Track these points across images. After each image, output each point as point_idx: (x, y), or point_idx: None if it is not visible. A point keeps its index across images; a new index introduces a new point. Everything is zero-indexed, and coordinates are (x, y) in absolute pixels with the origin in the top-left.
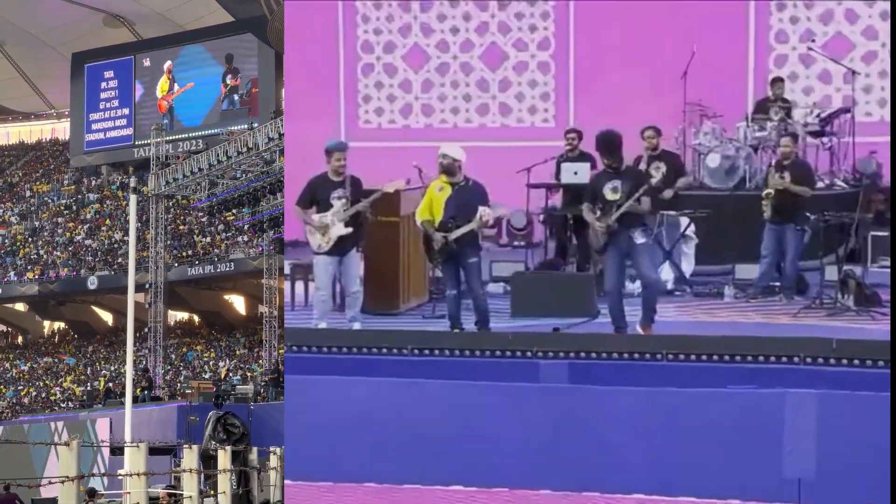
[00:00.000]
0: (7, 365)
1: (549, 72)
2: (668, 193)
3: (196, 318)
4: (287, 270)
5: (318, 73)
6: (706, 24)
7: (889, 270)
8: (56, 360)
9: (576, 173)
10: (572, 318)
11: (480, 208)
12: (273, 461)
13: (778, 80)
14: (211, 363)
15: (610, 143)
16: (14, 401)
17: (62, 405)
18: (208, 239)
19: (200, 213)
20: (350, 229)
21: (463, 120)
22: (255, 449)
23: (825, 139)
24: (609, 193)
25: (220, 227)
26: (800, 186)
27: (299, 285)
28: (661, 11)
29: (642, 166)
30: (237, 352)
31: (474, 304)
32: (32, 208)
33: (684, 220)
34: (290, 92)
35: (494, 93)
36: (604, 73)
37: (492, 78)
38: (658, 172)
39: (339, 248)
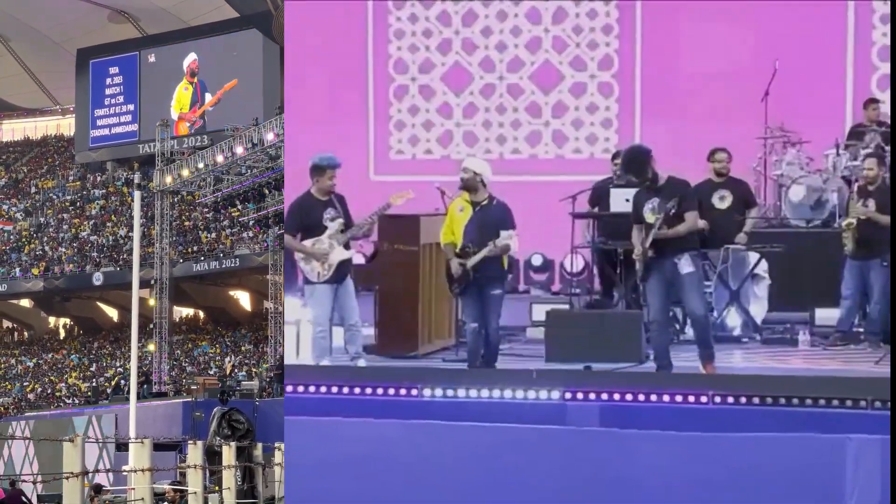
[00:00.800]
0: (12, 361)
1: (611, 94)
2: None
3: (201, 314)
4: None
5: (343, 96)
6: (793, 37)
7: None
8: (62, 356)
9: (627, 200)
10: (615, 363)
11: (502, 233)
12: (278, 457)
13: (872, 102)
14: (216, 359)
15: (635, 160)
16: (20, 397)
17: (67, 401)
18: (213, 235)
19: (206, 209)
20: (352, 252)
21: (510, 150)
22: (259, 445)
23: None
24: (648, 215)
25: (226, 222)
26: (886, 216)
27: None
28: (740, 24)
29: (716, 199)
30: (243, 347)
31: (486, 337)
32: (38, 204)
33: (753, 256)
34: (294, 115)
35: (547, 118)
36: (673, 95)
37: (544, 101)
38: (723, 202)
39: (338, 275)
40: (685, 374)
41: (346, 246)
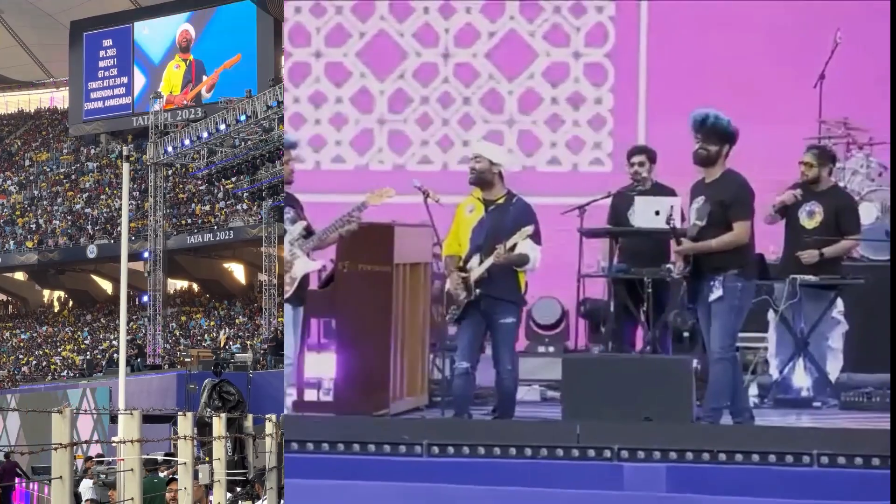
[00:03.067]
0: (7, 334)
1: (604, 81)
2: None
3: (195, 287)
4: None
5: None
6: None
7: None
8: (57, 329)
9: (657, 213)
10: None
11: (517, 237)
12: (269, 427)
13: None
14: (211, 332)
15: (716, 126)
16: (14, 370)
17: (62, 374)
18: (207, 207)
19: (199, 182)
20: (318, 264)
21: (457, 159)
22: (250, 416)
23: None
24: (693, 218)
25: (220, 195)
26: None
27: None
28: None
29: (803, 214)
30: (237, 320)
31: (498, 382)
32: (31, 177)
33: (829, 295)
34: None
35: (511, 114)
36: (692, 79)
37: (508, 90)
38: (812, 220)
39: (304, 293)
40: (774, 426)
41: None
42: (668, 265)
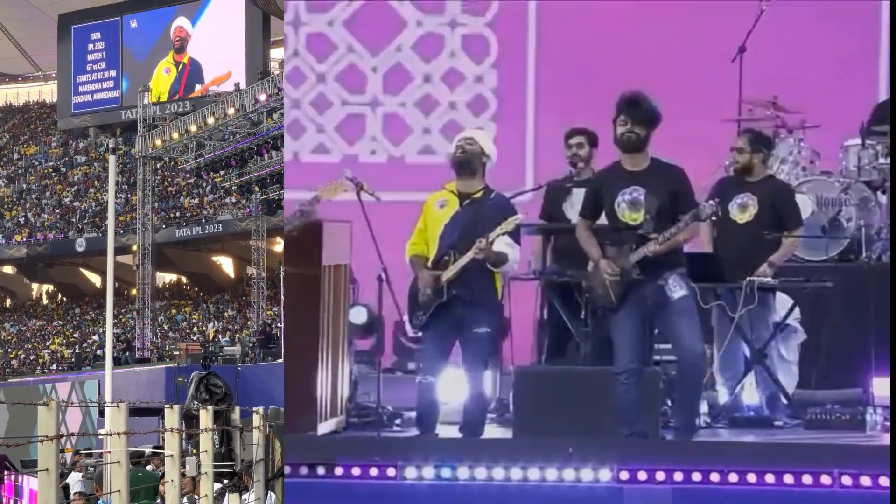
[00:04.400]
0: None
1: (486, 54)
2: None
3: (184, 280)
4: None
5: None
6: None
7: None
8: (45, 322)
9: None
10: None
11: (496, 232)
12: (256, 420)
13: None
14: (199, 325)
15: (641, 104)
16: (3, 363)
17: (51, 368)
18: (196, 200)
19: (188, 175)
20: None
21: (311, 147)
22: (237, 408)
23: None
24: (626, 211)
25: (208, 188)
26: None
27: None
28: None
29: (734, 207)
30: (226, 313)
31: (468, 399)
32: (20, 171)
33: (785, 300)
34: None
35: (376, 94)
36: (591, 48)
37: (371, 66)
38: (744, 213)
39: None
40: (790, 443)
41: None
42: None
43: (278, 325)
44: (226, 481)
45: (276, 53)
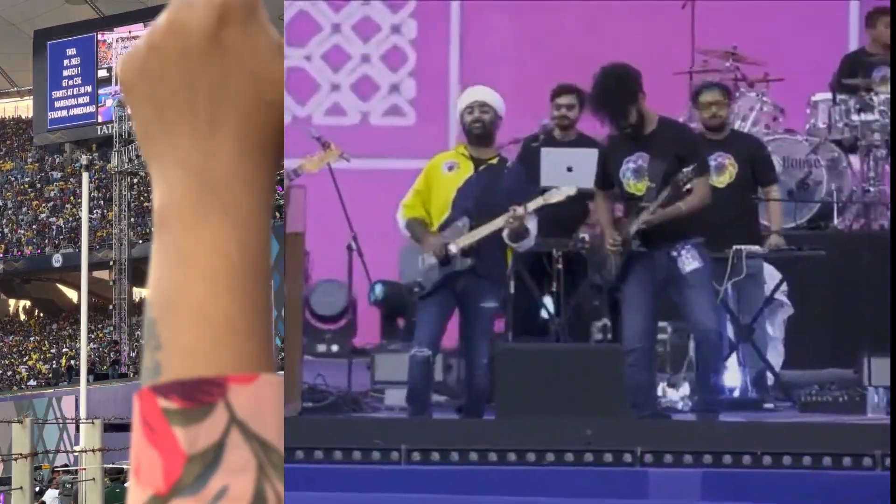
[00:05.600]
0: None
1: None
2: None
3: None
4: None
5: None
6: None
7: None
8: (22, 337)
9: (570, 169)
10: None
11: (517, 210)
12: None
13: (882, 14)
14: None
15: (620, 84)
16: None
17: (28, 383)
18: None
19: None
20: None
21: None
22: None
23: None
24: (631, 182)
25: None
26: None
27: None
28: None
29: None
30: None
31: (469, 378)
32: None
33: (773, 273)
34: None
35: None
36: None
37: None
38: (722, 175)
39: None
40: (823, 423)
41: None
42: (582, 234)
43: None
44: None
45: None
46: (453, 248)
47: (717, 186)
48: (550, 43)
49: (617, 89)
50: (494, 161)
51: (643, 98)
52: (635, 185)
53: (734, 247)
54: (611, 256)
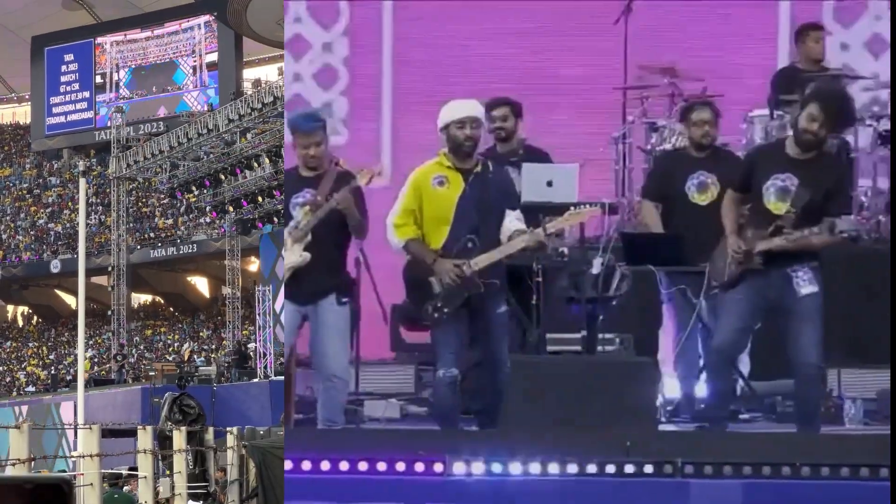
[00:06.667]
0: None
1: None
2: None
3: (160, 300)
4: None
5: None
6: None
7: None
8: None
9: (550, 184)
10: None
11: (510, 214)
12: (230, 440)
13: (811, 30)
14: (175, 345)
15: (840, 101)
16: None
17: (27, 389)
18: (170, 221)
19: (162, 196)
20: (307, 256)
21: None
22: (210, 429)
23: None
24: (773, 197)
25: (182, 208)
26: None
27: None
28: None
29: (692, 186)
30: (201, 333)
31: (492, 384)
32: None
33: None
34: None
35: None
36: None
37: None
38: (704, 194)
39: (302, 290)
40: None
41: (309, 247)
42: (562, 248)
43: (253, 344)
44: (200, 502)
45: (249, 73)
46: (468, 270)
47: (698, 204)
48: (484, 57)
49: (838, 105)
50: (478, 169)
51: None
52: (775, 204)
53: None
54: (730, 263)
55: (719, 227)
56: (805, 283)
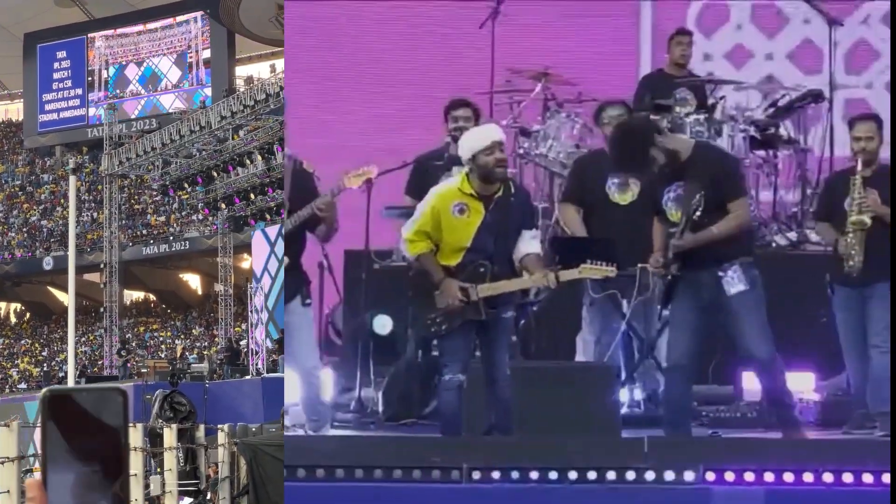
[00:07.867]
0: None
1: None
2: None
3: (152, 297)
4: None
5: None
6: None
7: None
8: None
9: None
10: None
11: (525, 234)
12: (221, 437)
13: (682, 35)
14: (167, 342)
15: (630, 138)
16: None
17: (19, 386)
18: (163, 218)
19: (155, 192)
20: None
21: None
22: (202, 426)
23: (783, 150)
24: (672, 209)
25: (175, 206)
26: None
27: None
28: None
29: (612, 186)
30: (193, 330)
31: (495, 392)
32: None
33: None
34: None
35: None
36: None
37: None
38: (625, 193)
39: (290, 287)
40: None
41: (289, 246)
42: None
43: (245, 341)
44: (191, 500)
45: (241, 71)
46: (474, 295)
47: (620, 204)
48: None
49: (631, 144)
50: (500, 194)
51: (662, 134)
52: (675, 214)
53: (639, 264)
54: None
55: (644, 226)
56: (734, 282)
